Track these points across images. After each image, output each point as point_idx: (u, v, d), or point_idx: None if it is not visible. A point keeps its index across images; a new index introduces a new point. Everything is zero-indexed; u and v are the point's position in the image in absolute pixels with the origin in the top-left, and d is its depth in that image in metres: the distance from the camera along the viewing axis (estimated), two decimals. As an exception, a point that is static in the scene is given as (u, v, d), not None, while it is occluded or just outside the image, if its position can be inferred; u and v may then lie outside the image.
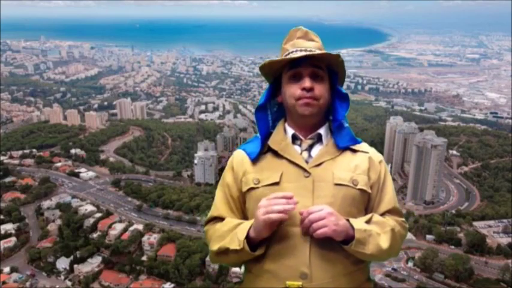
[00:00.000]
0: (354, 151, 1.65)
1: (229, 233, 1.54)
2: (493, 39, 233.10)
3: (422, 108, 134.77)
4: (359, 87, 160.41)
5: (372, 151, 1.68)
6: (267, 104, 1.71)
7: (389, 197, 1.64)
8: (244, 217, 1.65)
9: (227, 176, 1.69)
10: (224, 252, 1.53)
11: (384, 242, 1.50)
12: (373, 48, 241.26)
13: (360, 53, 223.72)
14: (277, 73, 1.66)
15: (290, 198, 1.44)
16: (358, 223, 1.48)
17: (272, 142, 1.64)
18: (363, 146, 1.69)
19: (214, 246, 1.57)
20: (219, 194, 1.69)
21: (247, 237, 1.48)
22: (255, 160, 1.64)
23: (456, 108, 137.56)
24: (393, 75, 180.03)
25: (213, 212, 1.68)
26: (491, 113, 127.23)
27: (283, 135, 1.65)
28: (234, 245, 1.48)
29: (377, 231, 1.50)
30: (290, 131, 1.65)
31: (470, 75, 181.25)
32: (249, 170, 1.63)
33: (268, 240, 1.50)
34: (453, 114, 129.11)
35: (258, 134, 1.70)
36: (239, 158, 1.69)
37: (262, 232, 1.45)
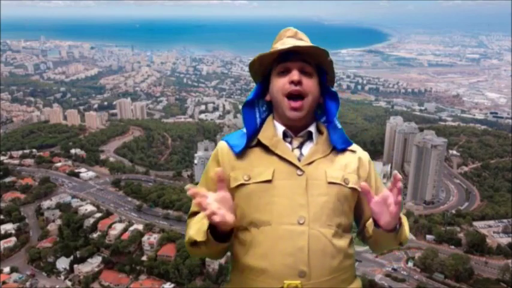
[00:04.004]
0: (343, 150, 1.64)
1: (197, 224, 1.48)
2: (493, 39, 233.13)
3: (422, 108, 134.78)
4: (359, 87, 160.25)
5: (360, 150, 1.68)
6: (255, 100, 1.67)
7: None
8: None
9: (211, 170, 1.58)
10: (194, 244, 1.47)
11: (407, 232, 1.52)
12: (373, 48, 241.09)
13: (360, 53, 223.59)
14: (267, 71, 1.64)
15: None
16: None
17: (263, 137, 1.59)
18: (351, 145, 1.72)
19: (186, 239, 1.52)
20: (201, 188, 1.53)
21: (215, 229, 1.41)
22: (239, 154, 1.58)
23: (456, 108, 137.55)
24: (393, 75, 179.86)
25: (194, 207, 1.57)
26: (491, 113, 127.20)
27: (273, 131, 1.60)
28: (200, 237, 1.42)
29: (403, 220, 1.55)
30: (280, 128, 1.61)
31: (470, 75, 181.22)
32: (237, 165, 1.57)
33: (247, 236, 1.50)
34: (453, 114, 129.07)
35: (244, 129, 1.64)
36: (225, 151, 1.61)
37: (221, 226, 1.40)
